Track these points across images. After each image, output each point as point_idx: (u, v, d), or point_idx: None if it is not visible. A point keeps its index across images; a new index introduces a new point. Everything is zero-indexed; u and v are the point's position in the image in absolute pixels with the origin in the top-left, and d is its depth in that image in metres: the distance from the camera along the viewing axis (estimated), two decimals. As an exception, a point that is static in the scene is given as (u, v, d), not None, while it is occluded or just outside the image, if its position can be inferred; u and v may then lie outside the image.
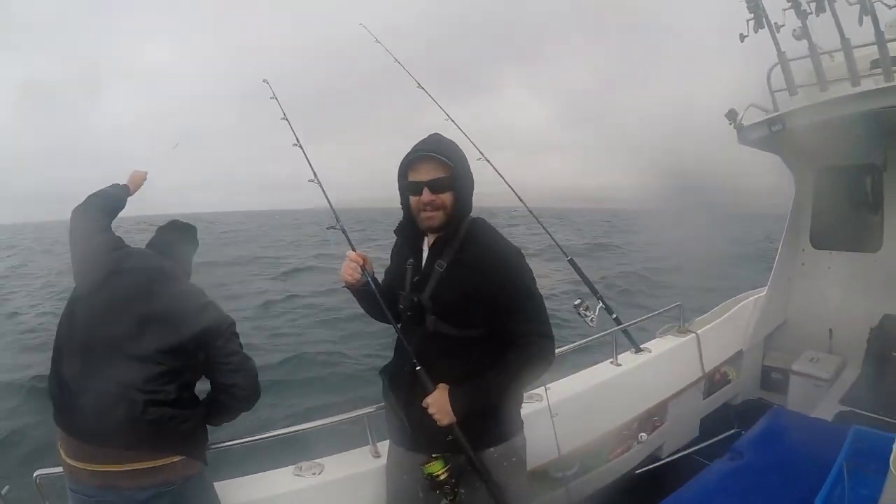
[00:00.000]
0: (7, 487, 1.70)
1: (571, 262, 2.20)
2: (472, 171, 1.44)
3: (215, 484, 1.78)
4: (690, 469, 1.80)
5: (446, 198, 1.38)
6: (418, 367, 1.42)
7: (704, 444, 2.70)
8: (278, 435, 1.76)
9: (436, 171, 1.36)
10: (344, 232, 1.52)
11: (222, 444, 1.69)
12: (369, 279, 1.48)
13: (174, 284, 1.55)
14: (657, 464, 2.57)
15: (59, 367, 1.45)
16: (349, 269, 1.48)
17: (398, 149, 1.49)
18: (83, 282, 1.56)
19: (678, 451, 2.68)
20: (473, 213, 1.48)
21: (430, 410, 1.39)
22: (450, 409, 1.39)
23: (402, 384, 1.49)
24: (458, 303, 1.40)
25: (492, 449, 1.56)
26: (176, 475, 1.43)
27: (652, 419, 2.57)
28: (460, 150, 1.43)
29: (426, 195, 1.37)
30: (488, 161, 2.01)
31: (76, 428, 1.39)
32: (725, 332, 2.83)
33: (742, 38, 2.49)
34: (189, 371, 1.47)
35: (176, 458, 1.42)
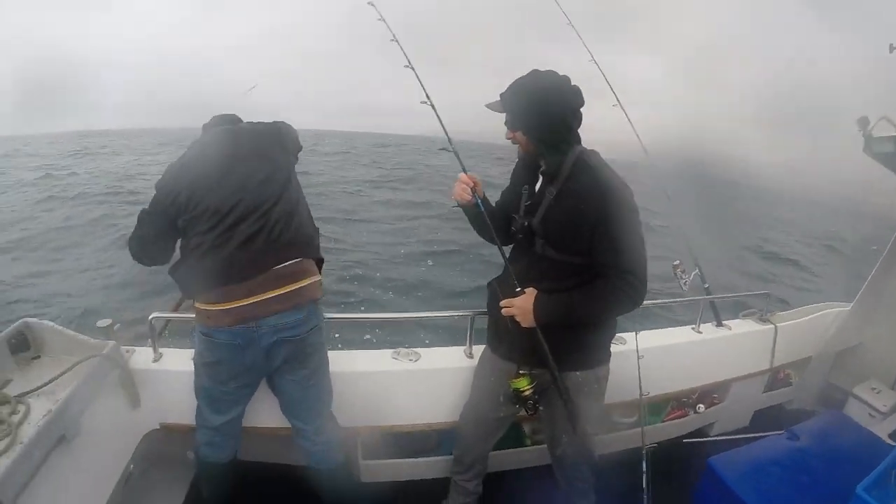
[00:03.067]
0: (118, 325, 1.88)
1: (679, 230, 2.26)
2: (557, 111, 1.49)
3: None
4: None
5: (518, 135, 1.52)
6: (518, 288, 1.55)
7: (752, 435, 2.76)
8: (387, 318, 1.95)
9: (506, 113, 1.52)
10: (456, 154, 1.61)
11: (333, 317, 1.88)
12: (479, 201, 1.60)
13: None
14: (705, 439, 2.67)
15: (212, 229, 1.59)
16: (461, 190, 1.62)
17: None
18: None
19: (725, 433, 2.76)
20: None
21: (512, 310, 1.54)
22: (531, 311, 1.52)
23: (506, 296, 1.62)
24: (563, 230, 1.51)
25: (577, 372, 1.69)
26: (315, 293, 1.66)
27: (712, 395, 2.65)
28: (536, 93, 1.48)
29: (506, 132, 1.55)
30: (623, 110, 2.05)
31: (234, 271, 1.56)
32: (802, 334, 2.83)
33: (892, 48, 2.37)
34: None
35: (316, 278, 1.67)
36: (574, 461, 1.89)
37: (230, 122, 1.81)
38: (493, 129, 1.57)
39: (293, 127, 1.83)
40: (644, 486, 1.54)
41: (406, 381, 1.97)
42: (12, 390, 1.56)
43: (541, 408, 1.72)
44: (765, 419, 2.88)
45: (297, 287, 1.61)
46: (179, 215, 1.60)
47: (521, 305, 1.54)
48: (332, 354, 1.86)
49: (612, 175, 1.52)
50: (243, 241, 1.56)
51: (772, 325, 2.61)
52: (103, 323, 1.86)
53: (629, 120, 2.10)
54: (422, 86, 1.65)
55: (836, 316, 2.94)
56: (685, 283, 2.22)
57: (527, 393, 1.68)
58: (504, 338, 1.76)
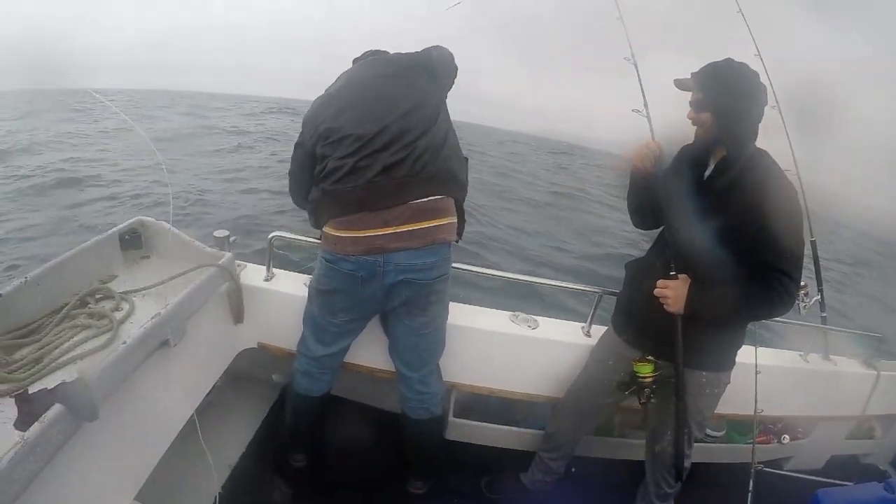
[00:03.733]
0: (235, 237, 1.87)
1: (813, 244, 2.17)
2: (751, 104, 1.47)
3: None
4: (800, 496, 1.77)
5: (705, 117, 1.47)
6: (673, 272, 1.50)
7: (827, 480, 2.67)
8: (512, 278, 1.92)
9: (696, 93, 1.48)
10: (648, 119, 1.56)
11: (459, 267, 1.84)
12: (661, 171, 1.55)
13: None
14: (779, 471, 2.59)
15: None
16: (644, 154, 1.57)
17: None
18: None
19: (799, 471, 2.67)
20: None
21: (667, 291, 1.50)
22: (685, 297, 1.48)
23: (646, 281, 1.58)
24: (728, 221, 1.46)
25: (704, 373, 1.65)
26: (450, 235, 1.59)
27: (797, 429, 2.56)
28: (736, 80, 1.46)
29: (689, 112, 1.51)
30: (785, 125, 1.96)
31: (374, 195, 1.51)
32: None
33: None
34: None
35: (453, 219, 1.59)
36: (672, 462, 1.84)
37: (379, 55, 1.75)
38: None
39: (448, 51, 1.74)
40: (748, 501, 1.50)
41: (519, 346, 1.95)
42: (118, 286, 1.56)
43: (654, 399, 1.68)
44: (837, 467, 2.78)
45: (434, 224, 1.54)
46: (318, 143, 1.58)
47: (677, 290, 1.49)
48: (452, 306, 1.83)
49: (783, 178, 1.50)
50: (383, 169, 1.50)
51: (875, 372, 2.50)
52: (221, 233, 1.85)
53: (789, 138, 2.01)
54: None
55: None
56: (804, 307, 2.13)
57: (648, 380, 1.65)
58: (634, 322, 1.73)
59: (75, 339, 1.34)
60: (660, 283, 1.52)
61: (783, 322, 2.20)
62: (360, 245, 1.51)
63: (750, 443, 2.02)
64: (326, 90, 1.66)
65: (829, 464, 2.79)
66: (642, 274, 1.67)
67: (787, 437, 2.50)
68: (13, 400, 1.07)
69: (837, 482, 2.28)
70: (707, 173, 1.55)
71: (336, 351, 1.79)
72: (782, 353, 2.33)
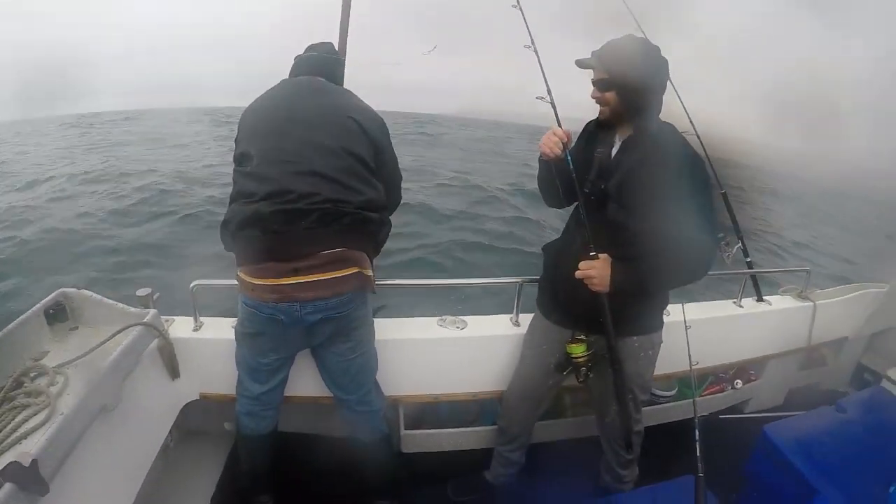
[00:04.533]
0: (158, 293, 1.84)
1: (725, 195, 2.23)
2: (654, 80, 1.49)
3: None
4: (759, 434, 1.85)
5: (610, 96, 1.49)
6: (593, 252, 1.52)
7: (787, 414, 2.75)
8: (433, 286, 1.93)
9: (599, 72, 1.49)
10: (553, 106, 1.56)
11: (382, 283, 1.84)
12: (569, 157, 1.55)
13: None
14: (740, 416, 2.65)
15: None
16: (551, 143, 1.56)
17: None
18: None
19: (760, 410, 2.74)
20: None
21: (591, 273, 1.50)
22: (609, 277, 1.50)
23: (567, 261, 1.60)
24: (640, 196, 1.49)
25: (634, 338, 1.69)
26: (350, 286, 1.54)
27: (749, 371, 2.63)
28: (638, 57, 1.47)
29: (592, 91, 1.53)
30: (675, 89, 2.01)
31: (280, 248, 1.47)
32: (839, 314, 2.79)
33: None
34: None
35: (355, 269, 1.54)
36: (622, 431, 1.88)
37: (314, 67, 1.69)
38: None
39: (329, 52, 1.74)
40: (698, 454, 1.53)
41: (452, 349, 1.95)
42: (51, 361, 1.54)
43: (591, 375, 1.71)
44: (798, 398, 2.86)
45: (347, 273, 1.52)
46: (235, 161, 1.56)
47: (601, 270, 1.50)
48: (377, 322, 1.83)
49: (690, 147, 1.53)
50: (293, 217, 1.46)
51: (811, 303, 2.58)
52: (143, 291, 1.82)
53: (679, 96, 2.06)
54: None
55: (874, 297, 2.91)
56: (728, 257, 2.20)
57: (582, 359, 1.67)
58: (561, 304, 1.75)
59: (16, 420, 1.32)
60: (582, 265, 1.51)
61: (710, 275, 2.26)
62: (276, 293, 1.50)
63: (691, 397, 2.06)
64: (251, 104, 1.62)
65: (790, 397, 2.87)
66: (562, 256, 1.68)
67: (739, 381, 2.57)
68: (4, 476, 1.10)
69: (793, 413, 2.35)
70: (614, 151, 1.57)
71: (274, 386, 1.78)
72: (716, 304, 2.39)
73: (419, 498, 2.06)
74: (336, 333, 1.64)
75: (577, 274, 1.52)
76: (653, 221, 1.48)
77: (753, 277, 2.40)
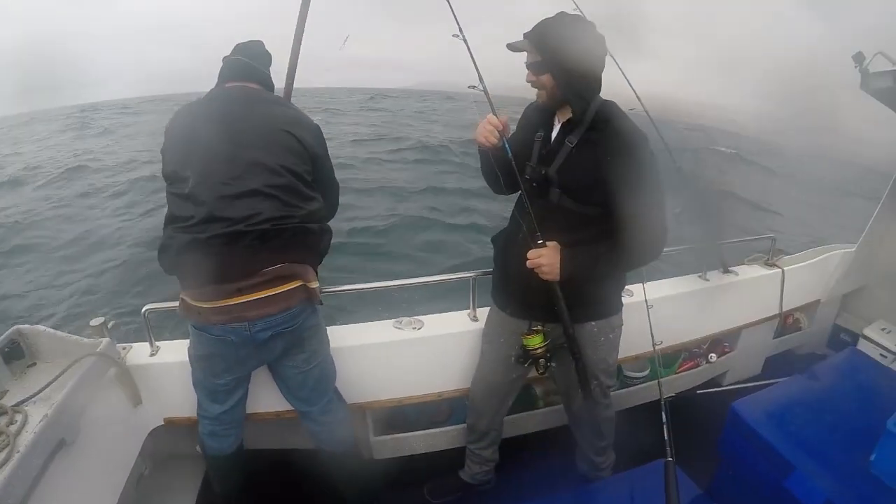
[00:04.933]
0: (112, 321, 1.82)
1: (679, 170, 2.19)
2: (592, 58, 1.43)
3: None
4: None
5: (545, 79, 1.43)
6: (540, 240, 1.47)
7: (766, 382, 2.73)
8: (382, 287, 1.88)
9: (532, 55, 1.43)
10: (485, 92, 1.50)
11: (331, 290, 1.80)
12: (506, 145, 1.50)
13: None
14: (720, 388, 2.64)
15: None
16: (486, 132, 1.50)
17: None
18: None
19: (739, 382, 2.73)
20: None
21: (541, 261, 1.45)
22: (558, 265, 1.45)
23: (516, 251, 1.55)
24: (583, 180, 1.44)
25: (592, 323, 1.65)
26: (296, 300, 1.51)
27: (723, 344, 2.62)
28: (572, 36, 1.40)
29: (528, 75, 1.47)
30: (616, 62, 1.96)
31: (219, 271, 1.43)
32: (808, 278, 2.79)
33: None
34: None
35: (299, 283, 1.50)
36: (591, 418, 1.85)
37: (246, 73, 1.59)
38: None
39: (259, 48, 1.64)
40: (665, 437, 1.49)
41: (411, 350, 1.91)
42: (9, 400, 1.53)
43: (552, 365, 1.67)
44: (777, 366, 2.85)
45: (291, 287, 1.49)
46: (166, 181, 1.49)
47: (550, 258, 1.45)
48: (332, 330, 1.79)
49: (633, 125, 1.47)
50: (229, 240, 1.41)
51: (778, 269, 2.57)
52: (96, 321, 1.80)
53: (622, 71, 2.00)
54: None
55: (842, 258, 2.91)
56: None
57: (539, 351, 1.63)
58: (514, 295, 1.71)
59: None
60: (531, 254, 1.47)
61: (672, 250, 2.23)
62: (222, 314, 1.46)
63: (663, 376, 2.04)
64: (183, 121, 1.53)
65: (767, 366, 2.86)
66: (510, 246, 1.63)
67: (713, 355, 2.55)
68: None
69: (770, 382, 2.34)
70: (554, 135, 1.52)
71: (233, 405, 1.74)
72: (681, 280, 2.36)
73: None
74: (289, 347, 1.61)
75: (528, 264, 1.47)
76: (595, 205, 1.45)
77: (718, 249, 2.37)
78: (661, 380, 2.36)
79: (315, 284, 1.54)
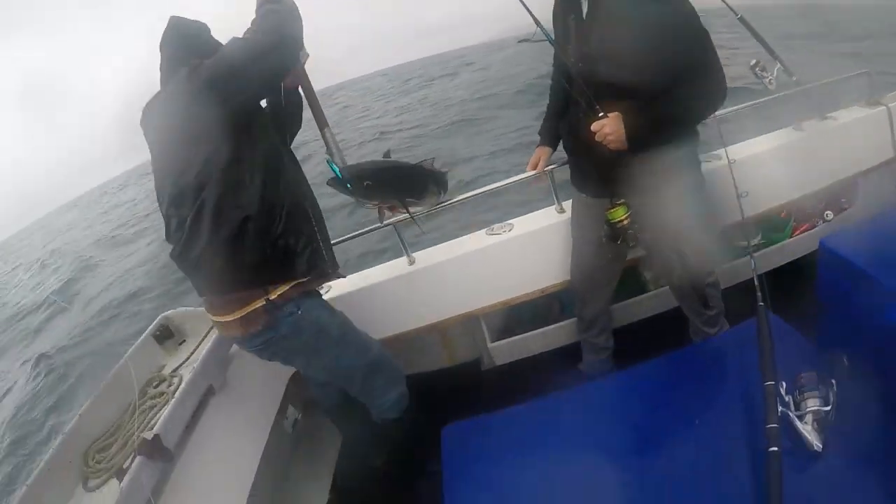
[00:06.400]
0: None
1: (742, 19, 2.07)
2: None
3: (414, 254, 2.04)
4: None
5: None
6: (601, 113, 1.49)
7: None
8: (469, 197, 1.98)
9: None
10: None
11: (418, 213, 1.76)
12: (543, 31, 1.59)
13: None
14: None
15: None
16: None
17: None
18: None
19: None
20: None
21: (605, 130, 1.48)
22: (622, 131, 1.47)
23: (581, 129, 1.58)
24: (624, 47, 1.44)
25: (670, 145, 1.59)
26: (258, 324, 1.39)
27: (839, 199, 2.41)
28: None
29: None
30: None
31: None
32: None
33: None
34: None
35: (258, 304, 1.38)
36: (695, 284, 1.80)
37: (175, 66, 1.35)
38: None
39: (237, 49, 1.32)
40: (756, 283, 1.41)
41: (507, 252, 2.01)
42: (167, 371, 1.83)
43: (640, 236, 1.68)
44: None
45: (248, 312, 1.37)
46: None
47: (613, 125, 1.47)
48: (429, 250, 1.94)
49: None
50: (187, 266, 1.41)
51: (883, 107, 2.30)
52: None
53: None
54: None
55: None
56: (770, 82, 2.01)
57: (625, 222, 1.66)
58: (589, 174, 1.75)
59: (146, 420, 1.61)
60: (594, 126, 1.49)
61: (757, 102, 2.09)
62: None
63: (746, 246, 1.91)
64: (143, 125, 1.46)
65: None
66: (573, 127, 1.68)
67: (829, 212, 2.36)
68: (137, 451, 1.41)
69: None
70: (585, 11, 1.56)
71: None
72: (773, 135, 2.21)
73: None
74: (286, 355, 1.58)
75: (595, 137, 1.50)
76: (646, 70, 1.44)
77: (809, 94, 2.16)
78: (774, 247, 2.24)
79: (276, 294, 1.37)
